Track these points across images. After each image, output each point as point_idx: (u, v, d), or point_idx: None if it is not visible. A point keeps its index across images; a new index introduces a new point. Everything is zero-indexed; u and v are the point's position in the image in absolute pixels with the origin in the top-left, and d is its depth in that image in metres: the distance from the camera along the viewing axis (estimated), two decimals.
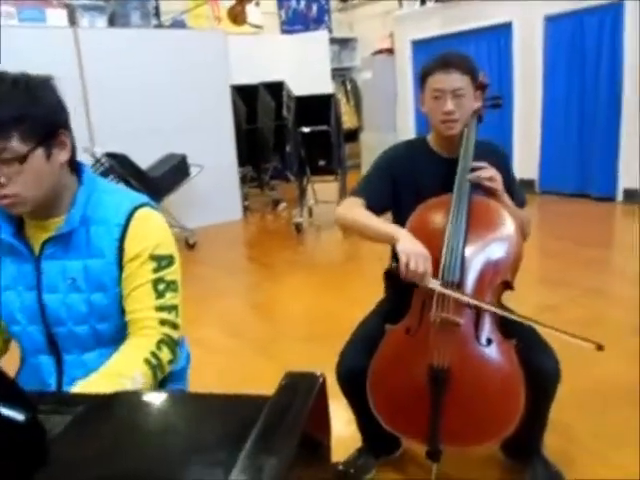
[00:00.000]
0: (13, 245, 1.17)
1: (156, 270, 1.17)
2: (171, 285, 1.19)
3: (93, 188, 1.19)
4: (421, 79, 1.66)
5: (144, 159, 4.54)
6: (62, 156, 1.11)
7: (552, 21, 5.50)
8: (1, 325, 1.26)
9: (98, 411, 0.70)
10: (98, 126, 4.72)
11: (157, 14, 6.18)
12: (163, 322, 1.17)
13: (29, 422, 0.52)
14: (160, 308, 1.17)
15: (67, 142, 1.12)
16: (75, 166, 1.19)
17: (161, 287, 1.17)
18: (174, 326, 1.19)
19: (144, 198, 1.24)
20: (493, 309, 1.46)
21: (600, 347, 1.31)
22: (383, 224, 1.58)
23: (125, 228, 1.16)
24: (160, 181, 4.48)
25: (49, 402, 0.68)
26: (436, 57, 1.63)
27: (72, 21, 4.81)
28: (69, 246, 1.16)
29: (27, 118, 1.02)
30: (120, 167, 4.21)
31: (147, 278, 1.17)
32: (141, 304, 1.17)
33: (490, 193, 1.60)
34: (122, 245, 1.16)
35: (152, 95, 4.95)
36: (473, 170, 1.60)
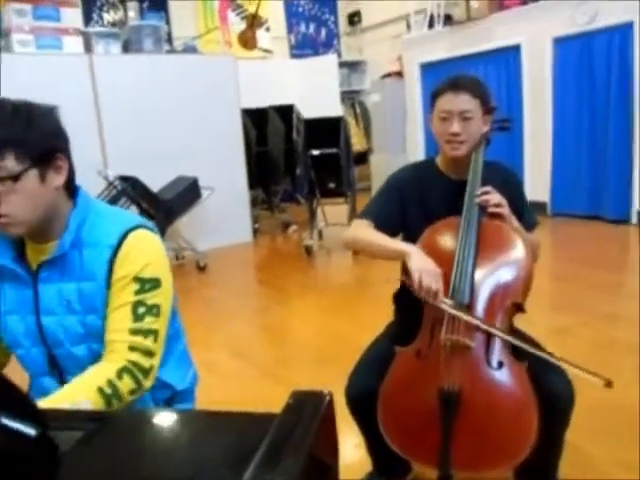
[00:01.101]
0: (13, 270, 1.18)
1: (138, 292, 1.15)
2: (153, 309, 1.17)
3: (87, 211, 1.20)
4: (431, 99, 1.67)
5: (156, 182, 4.60)
6: (57, 180, 1.13)
7: (561, 43, 5.54)
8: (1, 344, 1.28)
9: (107, 429, 0.70)
10: (111, 149, 4.79)
11: (169, 40, 6.31)
12: (133, 348, 1.14)
13: (40, 437, 0.52)
14: (135, 332, 1.15)
15: (63, 167, 1.14)
16: (73, 191, 1.20)
17: (141, 310, 1.15)
18: (147, 353, 1.15)
19: (140, 220, 1.24)
20: (501, 335, 1.44)
21: (609, 384, 1.29)
22: (392, 241, 1.59)
23: (116, 250, 1.16)
24: (172, 203, 4.52)
25: (59, 418, 0.68)
26: (448, 78, 1.64)
27: (88, 48, 4.92)
28: (64, 269, 1.17)
29: (23, 141, 1.05)
30: (132, 190, 4.25)
31: (127, 300, 1.15)
32: (116, 325, 1.16)
33: (497, 218, 1.60)
34: (111, 267, 1.16)
35: (164, 118, 5.03)
36: (479, 195, 1.61)
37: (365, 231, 1.64)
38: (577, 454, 1.78)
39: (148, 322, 1.16)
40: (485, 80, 1.75)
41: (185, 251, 4.96)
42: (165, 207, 4.41)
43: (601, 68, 5.27)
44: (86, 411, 0.98)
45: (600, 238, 4.99)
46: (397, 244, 1.57)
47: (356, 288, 4.35)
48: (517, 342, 1.45)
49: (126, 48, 5.18)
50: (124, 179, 4.30)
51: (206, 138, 5.27)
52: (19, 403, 0.56)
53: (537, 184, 5.80)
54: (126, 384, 1.13)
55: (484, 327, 1.44)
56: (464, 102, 1.58)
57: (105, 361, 1.17)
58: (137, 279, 1.15)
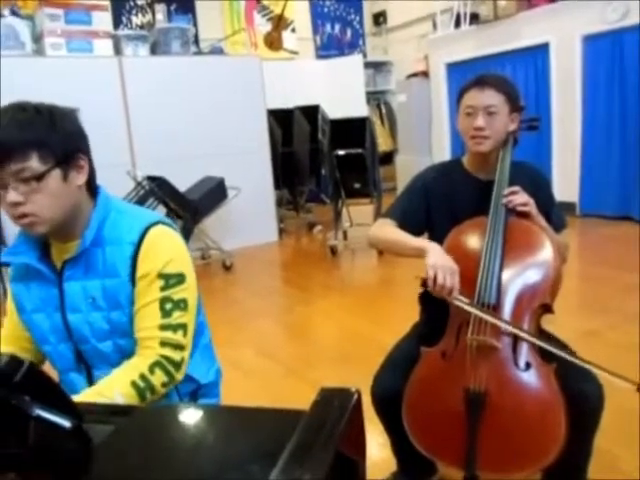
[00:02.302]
0: (39, 269, 1.21)
1: (163, 288, 1.18)
2: (180, 304, 1.19)
3: (108, 209, 1.23)
4: (457, 98, 1.67)
5: (183, 182, 4.65)
6: (79, 179, 1.16)
7: (590, 41, 5.44)
8: (34, 347, 1.32)
9: (138, 423, 0.72)
10: (140, 149, 4.87)
11: (196, 42, 6.37)
12: (164, 343, 1.17)
13: (75, 430, 0.54)
14: (164, 327, 1.17)
15: (85, 166, 1.17)
16: (94, 190, 1.23)
17: (168, 306, 1.18)
18: (177, 347, 1.19)
19: (159, 217, 1.27)
20: (526, 336, 1.42)
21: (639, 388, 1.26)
22: (413, 238, 1.58)
23: (138, 246, 1.18)
24: (198, 203, 4.56)
25: (93, 412, 0.70)
26: (474, 76, 1.64)
27: (117, 51, 5.00)
28: (88, 267, 1.20)
29: (46, 141, 1.08)
30: (159, 190, 4.31)
31: (154, 297, 1.18)
32: (145, 323, 1.19)
33: (524, 217, 1.58)
34: (135, 263, 1.18)
35: (191, 119, 5.09)
36: (506, 194, 1.59)
37: (388, 229, 1.64)
38: (604, 458, 1.75)
39: (176, 317, 1.19)
40: (513, 80, 1.73)
41: (211, 251, 5.01)
42: (192, 207, 4.46)
43: (632, 66, 5.15)
44: (117, 405, 1.01)
45: (630, 239, 4.88)
46: (417, 241, 1.56)
47: (380, 288, 4.34)
48: (540, 342, 1.43)
49: (154, 50, 5.24)
50: (152, 179, 4.37)
51: (232, 139, 5.32)
52: (55, 396, 0.57)
53: (566, 184, 5.70)
54: (158, 377, 1.16)
55: (508, 329, 1.42)
56: (489, 97, 1.58)
57: (137, 356, 1.20)
58: (161, 275, 1.18)
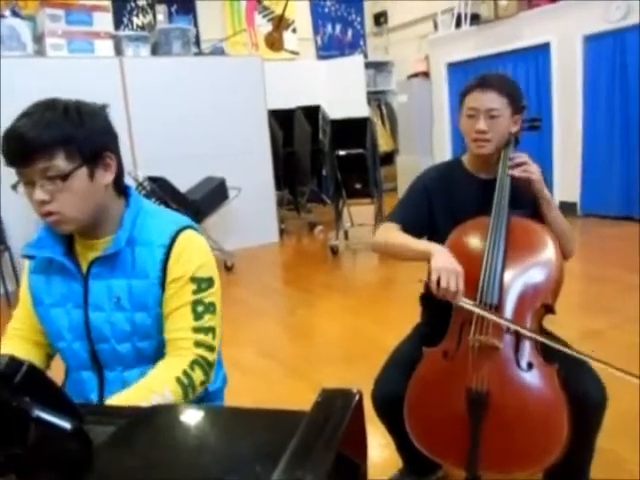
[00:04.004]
0: (63, 264, 1.21)
1: (196, 292, 1.19)
2: (210, 307, 1.21)
3: (139, 210, 1.23)
4: (460, 98, 1.66)
5: (184, 182, 4.65)
6: (106, 178, 1.16)
7: (592, 40, 5.43)
8: (45, 341, 1.30)
9: (139, 424, 0.71)
10: (140, 150, 4.86)
11: (197, 42, 6.38)
12: (198, 344, 1.19)
13: (75, 431, 0.53)
14: (197, 330, 1.19)
15: (112, 165, 1.17)
16: (122, 188, 1.23)
17: (200, 309, 1.19)
18: (210, 348, 1.20)
19: (188, 221, 1.27)
20: (529, 334, 1.42)
21: None
22: (419, 242, 1.58)
23: (169, 250, 1.19)
24: (199, 204, 4.57)
25: (93, 413, 0.70)
26: (476, 77, 1.63)
27: (118, 51, 5.00)
28: (115, 266, 1.19)
29: (73, 140, 1.08)
30: (161, 190, 4.31)
31: (187, 300, 1.19)
32: (179, 325, 1.19)
33: (526, 184, 1.58)
34: (165, 266, 1.18)
35: (192, 120, 5.09)
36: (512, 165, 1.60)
37: (391, 234, 1.63)
38: (607, 457, 1.75)
39: (207, 320, 1.20)
40: (514, 79, 1.73)
41: (212, 251, 4.99)
42: (193, 207, 4.46)
43: (634, 66, 5.14)
44: (118, 407, 1.00)
45: (632, 239, 4.87)
46: (423, 244, 1.56)
47: (382, 288, 4.33)
48: (543, 339, 1.43)
49: (155, 51, 5.25)
50: (153, 180, 4.37)
51: (233, 139, 5.32)
52: (55, 397, 0.57)
53: (567, 184, 5.70)
54: (198, 376, 1.17)
55: (513, 327, 1.42)
56: (491, 100, 1.57)
57: (173, 356, 1.20)
58: (194, 279, 1.19)
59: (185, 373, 1.15)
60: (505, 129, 1.61)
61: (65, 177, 1.08)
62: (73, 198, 1.10)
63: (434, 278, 1.41)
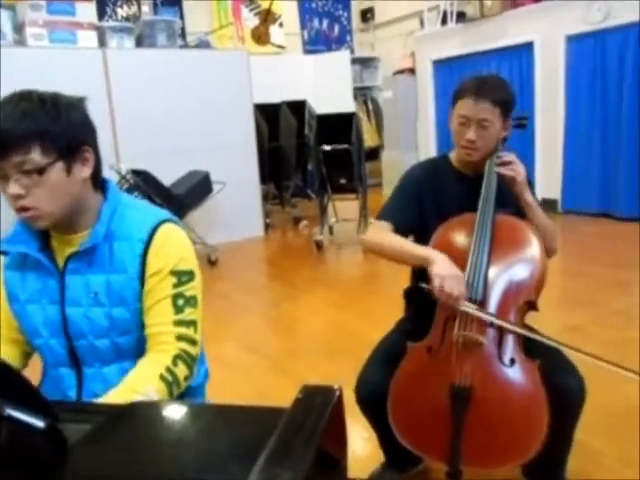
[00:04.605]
0: (39, 260, 1.18)
1: (176, 285, 1.18)
2: (190, 300, 1.20)
3: (117, 204, 1.21)
4: (454, 97, 1.64)
5: (168, 176, 4.61)
6: (84, 172, 1.13)
7: (574, 41, 5.48)
8: (23, 339, 1.28)
9: (115, 421, 0.70)
10: (124, 143, 4.81)
11: (183, 35, 6.32)
12: (180, 337, 1.17)
13: (49, 430, 0.52)
14: (178, 323, 1.18)
15: (90, 159, 1.14)
16: (100, 182, 1.21)
17: (180, 302, 1.18)
18: (192, 342, 1.19)
19: (167, 214, 1.25)
20: (518, 330, 1.44)
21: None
22: (416, 247, 1.57)
23: (148, 244, 1.17)
24: (183, 198, 4.53)
25: (69, 411, 0.69)
26: (474, 78, 1.61)
27: (101, 42, 4.93)
28: (93, 261, 1.18)
29: (49, 133, 1.05)
30: (144, 184, 4.27)
31: (167, 293, 1.18)
32: (160, 319, 1.18)
33: (510, 183, 1.58)
34: (144, 260, 1.17)
35: (176, 113, 5.04)
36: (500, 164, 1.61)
37: (386, 236, 1.62)
38: (585, 451, 1.77)
39: (188, 313, 1.19)
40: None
41: (196, 245, 4.97)
42: (177, 201, 4.43)
43: (614, 66, 5.21)
44: (95, 404, 0.99)
45: (611, 236, 4.95)
46: (421, 250, 1.54)
47: (366, 283, 4.34)
48: (531, 334, 1.45)
49: (139, 43, 5.18)
50: (136, 173, 4.32)
51: (218, 133, 5.28)
52: (29, 396, 0.56)
53: (548, 181, 5.75)
54: (181, 370, 1.16)
55: (499, 323, 1.44)
56: (484, 111, 1.55)
57: (155, 352, 1.18)
58: (174, 272, 1.18)
59: (168, 370, 1.14)
60: (494, 137, 1.61)
61: (41, 171, 1.05)
62: (49, 193, 1.08)
63: (437, 284, 1.42)
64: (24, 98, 1.06)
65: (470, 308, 1.44)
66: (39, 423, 0.51)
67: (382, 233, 1.64)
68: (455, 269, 1.45)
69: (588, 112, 5.48)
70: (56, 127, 1.06)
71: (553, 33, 5.56)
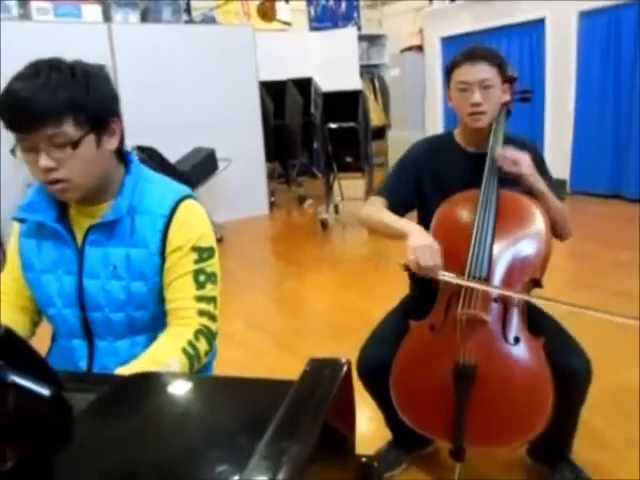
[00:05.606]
0: (56, 230, 1.18)
1: (197, 261, 1.18)
2: (211, 277, 1.20)
3: (139, 177, 1.21)
4: (447, 73, 1.63)
5: (173, 152, 4.59)
6: (111, 144, 1.13)
7: (587, 17, 5.37)
8: (32, 307, 1.28)
9: (122, 392, 0.70)
10: (129, 120, 4.75)
11: (188, 10, 6.23)
12: (202, 313, 1.18)
13: (54, 398, 0.52)
14: (200, 299, 1.18)
15: (117, 130, 1.14)
16: (122, 155, 1.20)
17: (202, 278, 1.19)
18: (212, 317, 1.19)
19: (187, 190, 1.25)
20: (520, 295, 1.43)
21: None
22: (397, 221, 1.55)
23: (169, 219, 1.17)
24: (189, 174, 4.51)
25: (76, 381, 0.69)
26: (462, 50, 1.60)
27: (106, 17, 4.88)
28: (113, 234, 1.17)
29: (82, 106, 1.04)
30: (150, 160, 4.25)
31: (188, 269, 1.18)
32: (181, 294, 1.18)
33: (516, 178, 1.55)
34: (165, 236, 1.17)
35: (182, 89, 5.00)
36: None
37: (376, 212, 1.62)
38: (590, 432, 1.77)
39: (209, 289, 1.20)
40: (507, 55, 1.71)
41: None
42: (182, 178, 4.39)
43: (628, 44, 5.11)
44: (101, 374, 0.99)
45: (620, 217, 4.91)
46: (400, 224, 1.53)
47: (371, 262, 4.33)
48: (533, 300, 1.45)
49: (145, 17, 5.13)
50: (141, 149, 4.30)
51: (224, 109, 5.24)
52: (35, 365, 0.56)
53: (557, 161, 5.67)
54: (202, 345, 1.16)
55: (499, 292, 1.43)
56: (483, 71, 1.55)
57: (176, 326, 1.19)
58: (195, 248, 1.18)
59: (190, 343, 1.14)
60: (498, 99, 1.60)
61: (75, 144, 1.04)
62: (81, 165, 1.07)
63: (412, 258, 1.41)
64: (54, 68, 1.04)
65: (449, 277, 1.42)
66: (44, 391, 0.51)
67: (373, 207, 1.64)
68: (429, 239, 1.44)
69: (600, 91, 5.39)
70: (88, 99, 1.05)
71: (565, 9, 5.44)
